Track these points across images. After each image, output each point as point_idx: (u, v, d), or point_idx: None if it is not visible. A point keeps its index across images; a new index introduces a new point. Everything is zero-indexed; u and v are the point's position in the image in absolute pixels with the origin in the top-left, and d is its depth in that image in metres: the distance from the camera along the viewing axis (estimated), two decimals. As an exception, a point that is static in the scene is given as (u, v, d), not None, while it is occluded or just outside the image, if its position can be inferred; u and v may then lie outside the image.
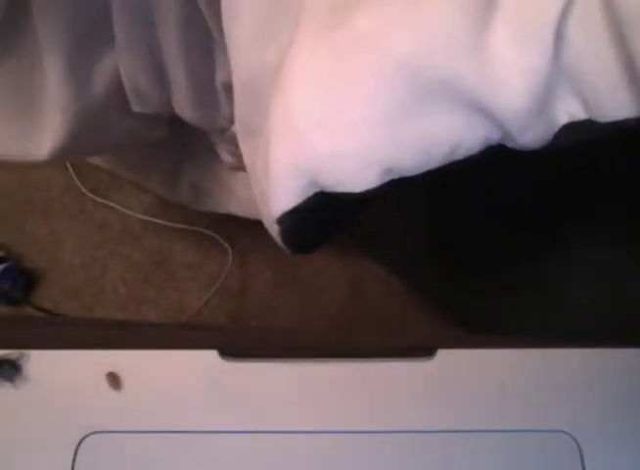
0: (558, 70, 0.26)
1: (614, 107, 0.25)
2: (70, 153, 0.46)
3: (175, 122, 0.53)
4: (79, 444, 0.32)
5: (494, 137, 0.28)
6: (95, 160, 0.75)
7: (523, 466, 0.32)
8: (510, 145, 0.28)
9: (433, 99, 0.27)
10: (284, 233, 0.32)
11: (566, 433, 0.32)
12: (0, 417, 0.33)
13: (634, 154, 0.40)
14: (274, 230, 0.32)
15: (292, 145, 0.29)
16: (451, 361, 0.34)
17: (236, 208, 0.69)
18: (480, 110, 0.27)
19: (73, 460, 0.32)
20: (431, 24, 0.26)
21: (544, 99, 0.26)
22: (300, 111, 0.28)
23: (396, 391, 0.33)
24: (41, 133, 0.44)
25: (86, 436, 0.32)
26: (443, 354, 0.34)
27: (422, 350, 0.34)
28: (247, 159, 0.38)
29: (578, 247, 0.48)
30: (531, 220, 0.50)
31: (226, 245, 0.90)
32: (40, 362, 0.34)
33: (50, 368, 0.34)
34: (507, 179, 0.46)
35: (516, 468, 0.32)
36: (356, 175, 0.28)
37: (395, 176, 0.28)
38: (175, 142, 0.61)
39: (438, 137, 0.27)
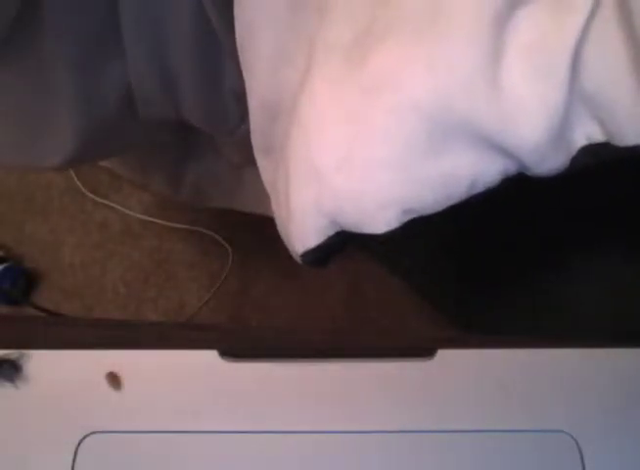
0: (575, 96, 0.25)
1: (632, 132, 0.25)
2: (80, 161, 0.46)
3: (180, 126, 0.53)
4: (79, 444, 0.32)
5: (512, 169, 0.28)
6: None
7: (523, 466, 0.32)
8: (528, 174, 0.28)
9: (450, 139, 0.27)
10: (306, 263, 0.32)
11: (566, 433, 0.32)
12: (0, 417, 0.33)
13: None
14: (294, 255, 0.33)
15: (313, 187, 0.29)
16: (451, 361, 0.34)
17: (239, 204, 0.69)
18: (498, 146, 0.27)
19: (73, 460, 0.32)
20: (448, 65, 0.26)
21: (562, 128, 0.26)
22: (321, 153, 0.29)
23: (396, 391, 0.33)
24: (52, 143, 0.44)
25: (86, 436, 0.32)
26: (443, 354, 0.34)
27: (422, 350, 0.34)
28: (266, 176, 0.38)
29: (580, 250, 0.48)
30: (534, 229, 0.50)
31: (226, 245, 0.91)
32: (40, 362, 0.34)
33: (50, 368, 0.34)
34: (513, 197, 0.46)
35: (516, 468, 0.32)
36: (375, 217, 0.28)
37: (415, 215, 0.28)
38: (178, 140, 0.61)
39: (457, 175, 0.27)
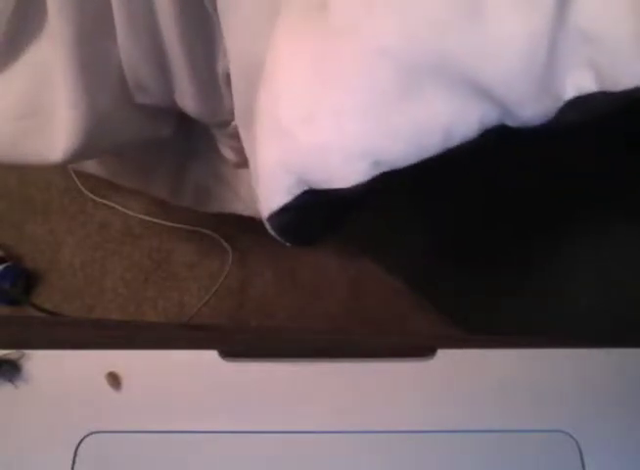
0: (564, 34, 0.24)
1: (630, 72, 0.23)
2: (84, 153, 0.45)
3: (181, 124, 0.53)
4: (79, 444, 0.32)
5: (492, 116, 0.26)
6: (98, 171, 0.75)
7: (523, 466, 0.32)
8: (510, 124, 0.26)
9: (421, 84, 0.25)
10: (276, 231, 0.31)
11: (566, 433, 0.32)
12: (0, 417, 0.33)
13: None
14: (267, 226, 0.32)
15: (278, 142, 0.28)
16: (451, 361, 0.34)
17: (241, 207, 0.69)
18: (474, 87, 0.25)
19: (73, 460, 0.32)
20: (415, 5, 0.24)
21: (547, 67, 0.24)
22: (286, 107, 0.27)
23: (396, 391, 0.33)
24: (55, 134, 0.43)
25: (86, 436, 0.32)
26: (443, 354, 0.34)
27: (422, 350, 0.34)
28: (248, 153, 0.37)
29: (579, 248, 0.48)
30: (533, 223, 0.50)
31: (226, 245, 0.90)
32: (40, 362, 0.34)
33: (50, 368, 0.34)
34: (509, 181, 0.46)
35: (516, 468, 0.32)
36: (343, 169, 0.27)
37: (386, 169, 0.27)
38: (178, 146, 0.61)
39: (429, 123, 0.26)
